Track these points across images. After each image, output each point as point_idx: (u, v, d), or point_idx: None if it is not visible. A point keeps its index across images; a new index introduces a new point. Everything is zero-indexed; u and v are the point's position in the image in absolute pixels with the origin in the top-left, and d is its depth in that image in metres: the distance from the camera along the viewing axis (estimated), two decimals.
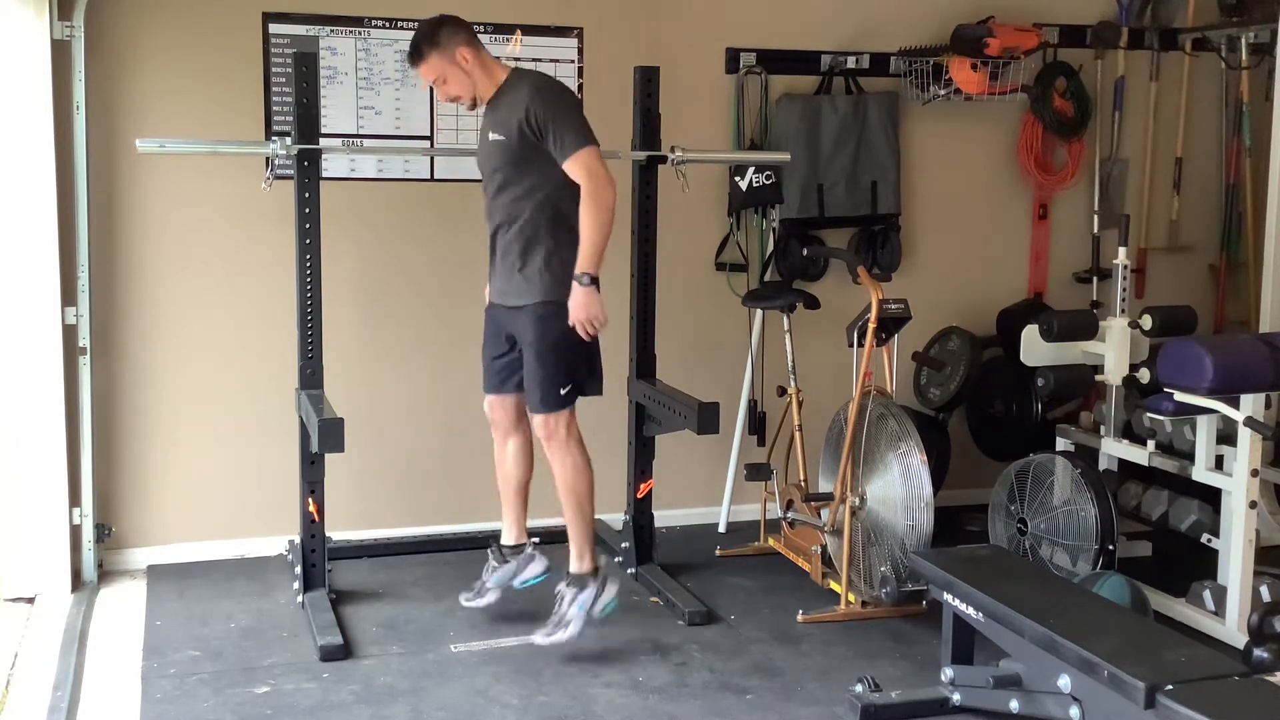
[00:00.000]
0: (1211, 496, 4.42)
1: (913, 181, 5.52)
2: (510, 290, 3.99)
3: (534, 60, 5.01)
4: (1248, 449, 4.13)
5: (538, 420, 4.02)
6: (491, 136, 3.96)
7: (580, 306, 3.84)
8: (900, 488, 4.28)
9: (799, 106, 5.27)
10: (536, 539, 4.33)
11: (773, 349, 5.12)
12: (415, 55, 3.96)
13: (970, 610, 3.55)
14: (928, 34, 5.34)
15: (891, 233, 5.43)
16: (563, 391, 3.96)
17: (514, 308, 3.99)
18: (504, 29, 4.98)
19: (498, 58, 4.11)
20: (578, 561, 4.02)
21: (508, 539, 4.28)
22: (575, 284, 3.83)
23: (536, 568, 4.24)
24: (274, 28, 4.74)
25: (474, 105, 4.03)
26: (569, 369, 3.97)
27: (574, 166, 3.81)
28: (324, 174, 4.32)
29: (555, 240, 3.92)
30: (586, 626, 3.95)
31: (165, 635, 4.13)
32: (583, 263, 3.82)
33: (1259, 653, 3.56)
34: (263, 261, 4.74)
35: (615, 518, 4.89)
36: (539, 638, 3.94)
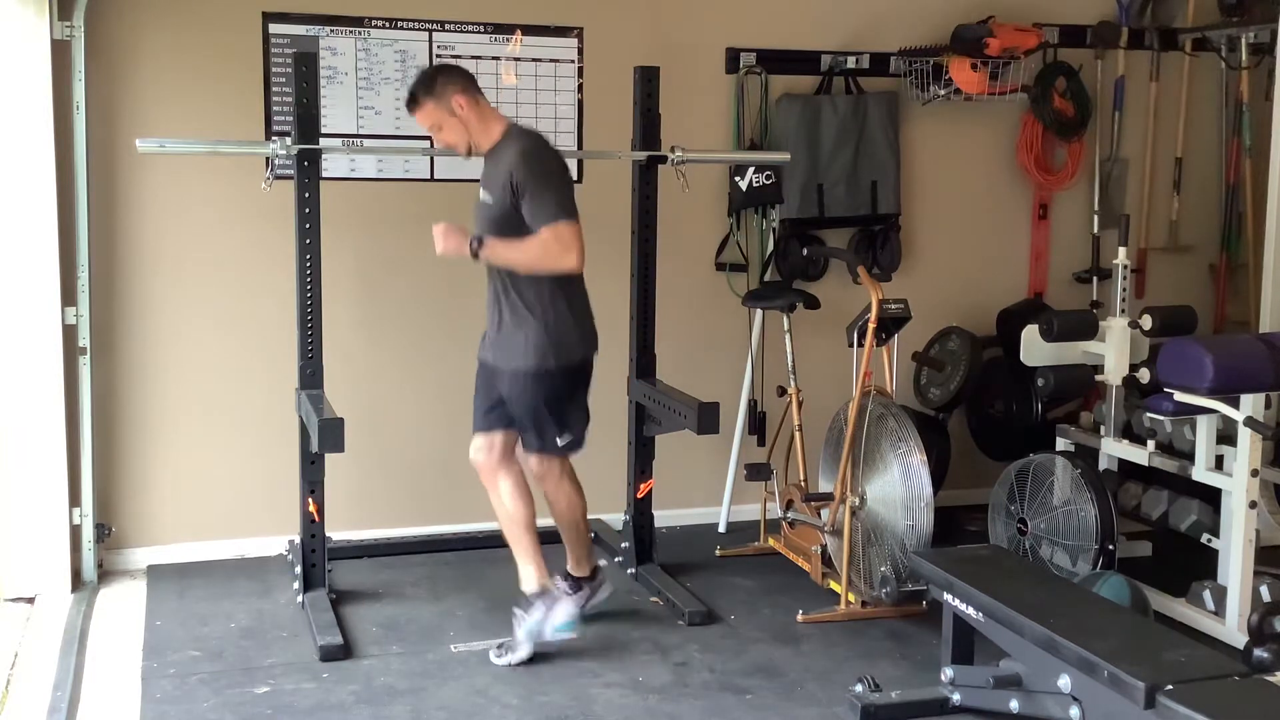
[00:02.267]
0: (1211, 496, 4.42)
1: (913, 181, 5.52)
2: (495, 353, 3.99)
3: (534, 60, 5.02)
4: (1248, 449, 4.13)
5: (533, 459, 4.06)
6: (482, 197, 3.96)
7: (446, 241, 3.84)
8: (900, 488, 4.28)
9: (799, 106, 5.27)
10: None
11: (773, 349, 5.12)
12: (412, 102, 3.95)
13: (970, 610, 3.55)
14: (928, 34, 5.34)
15: (891, 233, 5.43)
16: (560, 442, 4.02)
17: (498, 369, 3.99)
18: (504, 29, 4.98)
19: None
20: (527, 581, 4.01)
21: (533, 583, 4.01)
22: (467, 239, 3.83)
23: (567, 610, 4.01)
24: (274, 28, 4.74)
25: (469, 154, 3.98)
26: (562, 423, 4.00)
27: (545, 234, 3.75)
28: (324, 174, 4.32)
29: (539, 305, 3.89)
30: (538, 646, 3.93)
31: (165, 635, 4.13)
32: (493, 247, 3.82)
33: (1259, 653, 3.56)
34: (263, 261, 4.74)
35: (615, 518, 4.89)
36: (492, 655, 3.96)
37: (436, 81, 3.93)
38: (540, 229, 3.76)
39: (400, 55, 4.85)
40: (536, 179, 3.79)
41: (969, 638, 3.66)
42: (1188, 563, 4.64)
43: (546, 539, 4.38)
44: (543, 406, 3.96)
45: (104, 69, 4.57)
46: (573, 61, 5.08)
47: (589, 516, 4.64)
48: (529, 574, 4.00)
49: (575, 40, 5.07)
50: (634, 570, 4.67)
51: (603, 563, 4.38)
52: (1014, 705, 3.43)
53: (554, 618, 3.94)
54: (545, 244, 3.76)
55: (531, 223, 3.78)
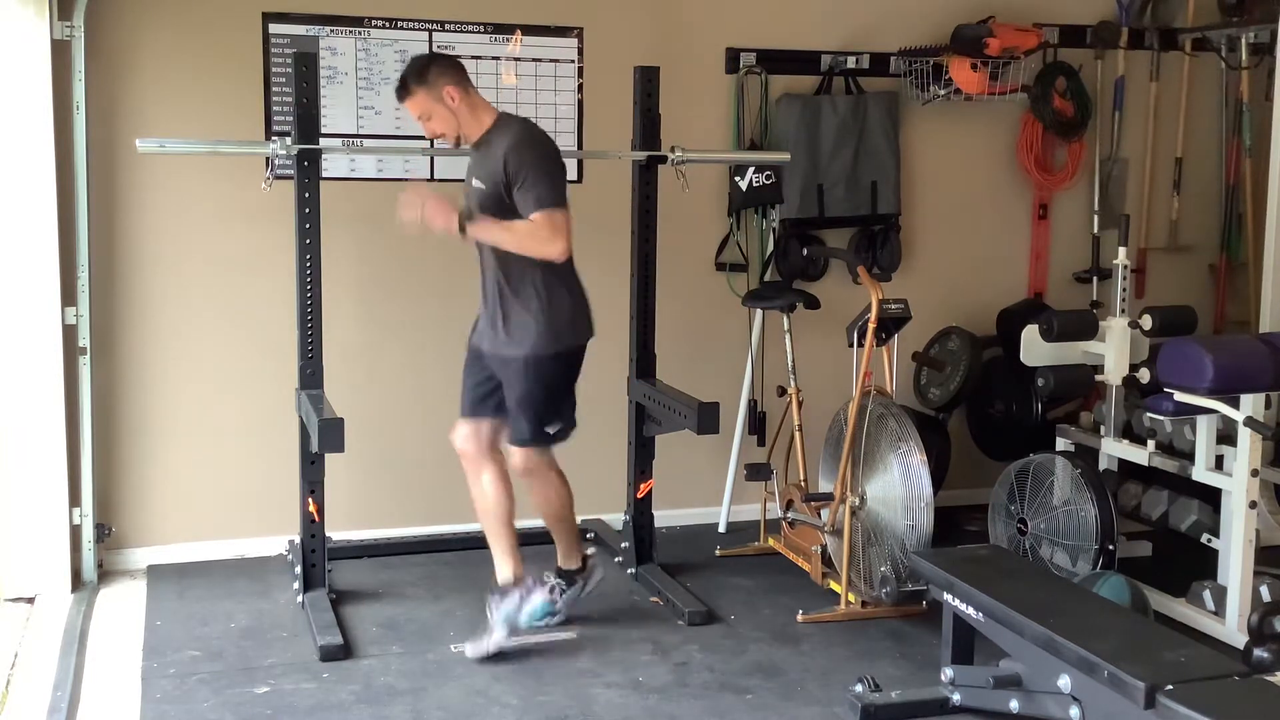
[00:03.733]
0: (1211, 496, 4.42)
1: (913, 181, 5.52)
2: (495, 340, 3.99)
3: (534, 60, 5.02)
4: (1248, 449, 4.13)
5: (518, 454, 4.04)
6: (474, 184, 3.96)
7: (434, 214, 3.80)
8: (900, 488, 4.28)
9: (799, 106, 5.27)
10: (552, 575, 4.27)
11: (773, 349, 5.12)
12: (402, 90, 3.95)
13: (970, 610, 3.55)
14: (928, 34, 5.34)
15: (891, 233, 5.43)
16: (550, 430, 4.01)
17: (501, 356, 3.98)
18: (504, 29, 4.98)
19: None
20: (503, 571, 4.06)
21: (507, 572, 4.07)
22: (455, 213, 3.80)
23: (540, 598, 4.09)
24: (274, 28, 4.74)
25: (458, 144, 4.00)
26: (556, 410, 4.01)
27: (535, 219, 3.77)
28: (324, 174, 4.32)
29: (539, 292, 3.91)
30: (513, 634, 3.97)
31: (165, 635, 4.13)
32: (479, 225, 3.82)
33: (1259, 653, 3.56)
34: (263, 261, 4.74)
35: (615, 518, 4.89)
36: (468, 646, 3.98)
37: (429, 71, 3.92)
38: (532, 214, 3.77)
39: (400, 55, 4.85)
40: (530, 166, 3.80)
41: (969, 638, 3.66)
42: (1188, 563, 4.63)
43: (540, 540, 4.41)
44: (542, 392, 3.95)
45: (104, 69, 4.57)
46: (573, 61, 5.08)
47: (590, 517, 4.67)
48: (503, 565, 4.04)
49: (575, 40, 5.07)
50: (634, 570, 4.67)
51: (590, 550, 4.37)
52: (1014, 705, 3.43)
53: (529, 605, 3.98)
54: (535, 228, 3.77)
55: (523, 208, 3.79)
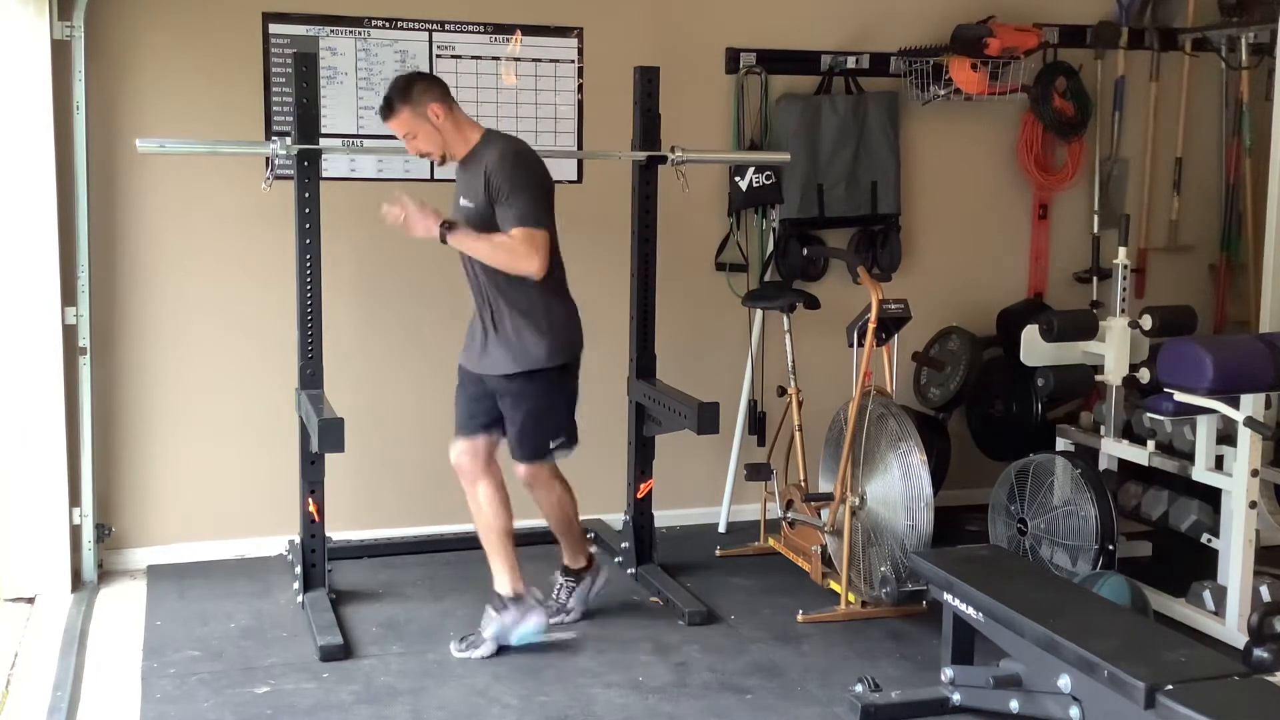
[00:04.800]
0: (1211, 496, 4.42)
1: (913, 181, 5.52)
2: (488, 359, 3.98)
3: (534, 60, 5.02)
4: (1248, 449, 4.13)
5: (522, 469, 4.06)
6: (461, 202, 3.96)
7: (416, 222, 3.83)
8: (900, 488, 4.28)
9: (799, 106, 5.27)
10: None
11: (773, 349, 5.12)
12: (387, 109, 3.94)
13: (970, 610, 3.55)
14: (928, 34, 5.34)
15: (891, 233, 5.43)
16: (553, 445, 4.03)
17: (495, 375, 3.98)
18: (504, 29, 4.98)
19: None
20: (501, 584, 4.05)
21: (506, 587, 4.04)
22: (438, 221, 3.82)
23: (536, 621, 4.05)
24: (274, 28, 4.74)
25: (444, 161, 4.00)
26: (558, 425, 4.02)
27: (515, 234, 3.78)
28: (324, 174, 4.32)
29: (539, 310, 3.91)
30: (501, 647, 3.99)
31: (165, 635, 4.13)
32: (460, 234, 3.82)
33: (1259, 653, 3.56)
34: (263, 261, 4.74)
35: (615, 518, 4.90)
36: (454, 646, 4.01)
37: (413, 90, 3.91)
38: (511, 230, 3.78)
39: (400, 55, 4.85)
40: (513, 183, 3.81)
41: (969, 638, 3.66)
42: (1188, 563, 4.64)
43: (542, 540, 4.41)
44: (545, 408, 3.97)
45: (104, 69, 4.57)
46: (573, 61, 5.08)
47: (590, 517, 4.66)
48: (503, 579, 4.03)
49: (575, 40, 5.07)
50: (634, 570, 4.67)
51: (593, 548, 4.38)
52: (1014, 705, 3.43)
53: (524, 625, 3.99)
54: (513, 244, 3.78)
55: (503, 223, 3.81)
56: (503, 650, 4.00)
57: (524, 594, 4.03)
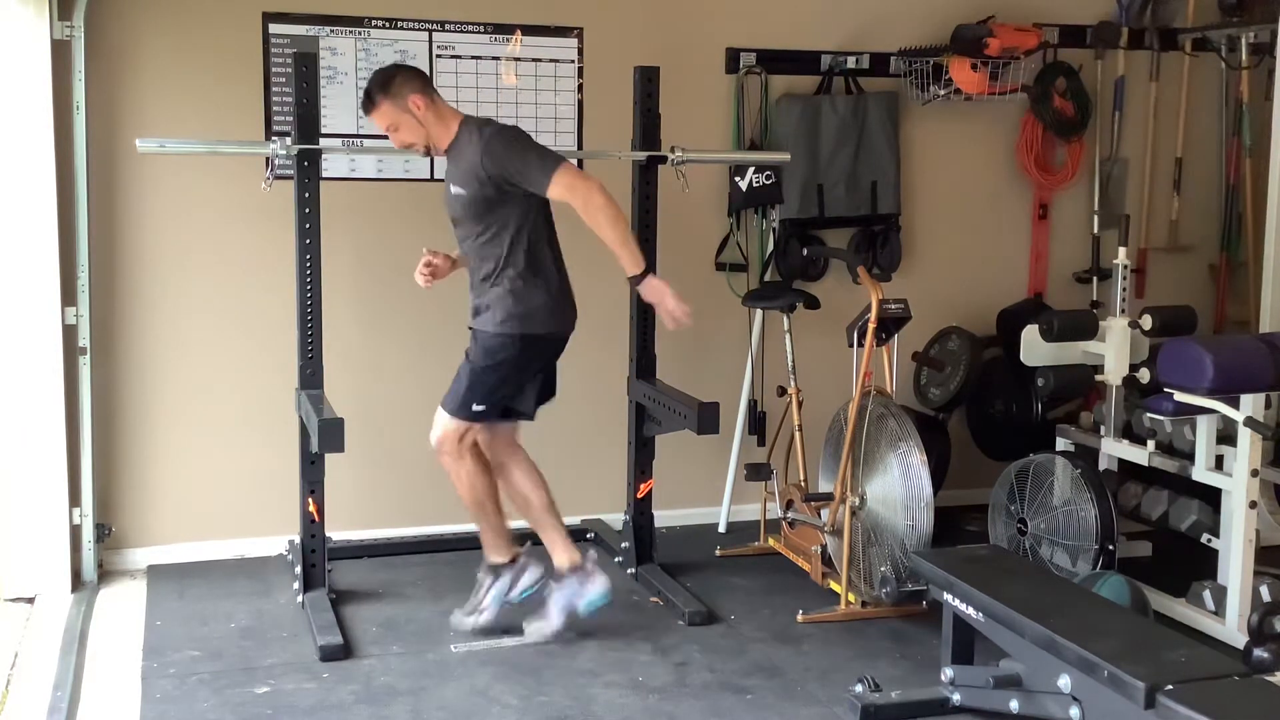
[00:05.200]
0: (1211, 496, 4.41)
1: (913, 181, 5.52)
2: (476, 319, 4.01)
3: (534, 60, 5.01)
4: (1248, 449, 4.12)
5: (438, 423, 4.00)
6: (453, 190, 3.96)
7: (657, 296, 3.89)
8: (900, 488, 4.28)
9: (799, 106, 5.27)
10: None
11: (773, 349, 5.12)
12: (368, 102, 3.94)
13: (970, 610, 3.55)
14: (928, 34, 5.34)
15: (891, 233, 5.43)
16: (475, 407, 3.96)
17: (473, 329, 4.01)
18: (504, 29, 4.98)
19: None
20: (491, 553, 4.11)
21: (561, 562, 4.09)
22: (640, 286, 3.89)
23: (601, 583, 4.08)
24: (274, 28, 4.74)
25: (428, 153, 4.01)
26: (491, 390, 3.97)
27: (555, 192, 3.81)
28: (324, 174, 4.33)
29: (518, 278, 3.92)
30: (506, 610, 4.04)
31: (165, 635, 4.13)
32: (627, 265, 3.87)
33: (1259, 653, 3.56)
34: (263, 261, 4.74)
35: (615, 518, 4.89)
36: (530, 630, 4.05)
37: (393, 82, 3.92)
38: (548, 190, 3.79)
39: (400, 55, 4.85)
40: (511, 156, 3.83)
41: (969, 638, 3.66)
42: (1188, 563, 4.63)
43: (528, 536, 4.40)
44: (487, 367, 3.93)
45: (104, 69, 4.57)
46: (573, 61, 5.08)
47: (590, 517, 4.65)
48: (559, 553, 4.08)
49: (575, 40, 5.07)
50: (634, 570, 4.67)
51: (523, 548, 4.25)
52: (1014, 705, 3.43)
53: (589, 591, 4.03)
54: (585, 208, 3.77)
55: (537, 191, 3.82)
56: (502, 650, 4.00)
57: (580, 562, 4.05)
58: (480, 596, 4.15)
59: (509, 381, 4.00)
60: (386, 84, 3.92)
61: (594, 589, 4.04)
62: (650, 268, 3.94)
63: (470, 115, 4.05)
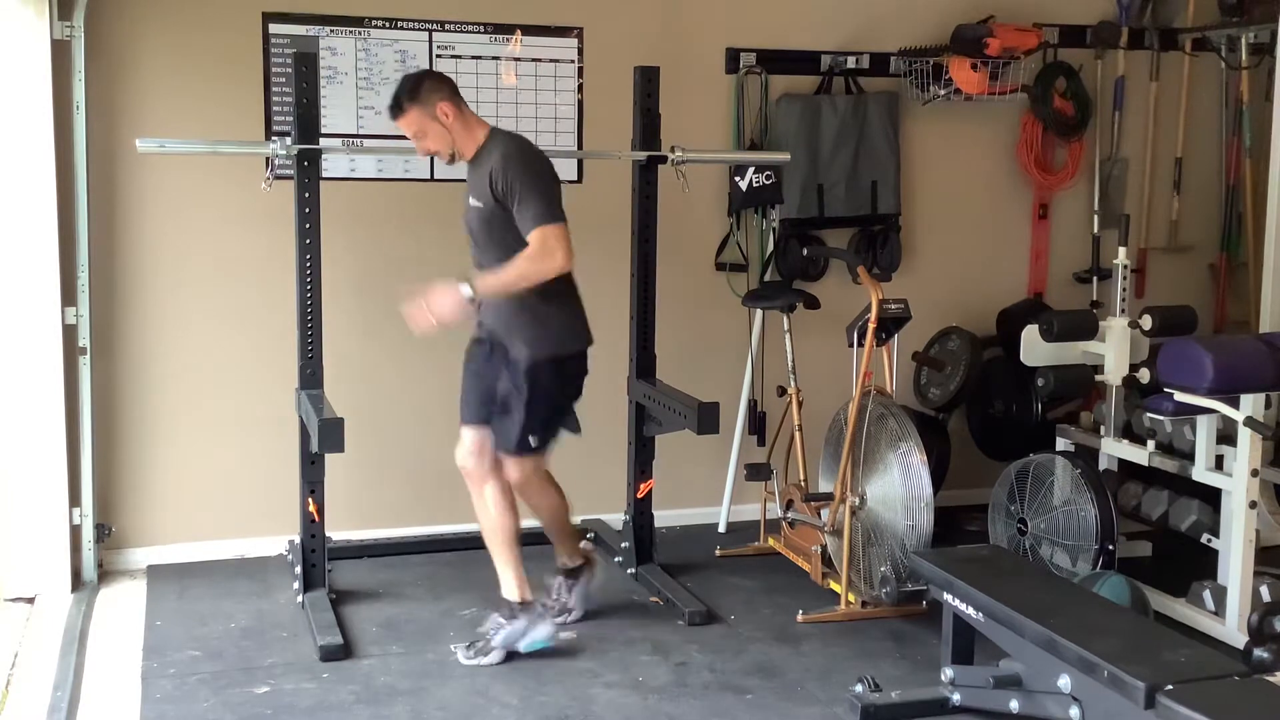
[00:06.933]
0: (1211, 496, 4.41)
1: (913, 181, 5.52)
2: (507, 339, 3.95)
3: (534, 60, 5.02)
4: (1248, 449, 4.13)
5: (510, 465, 4.00)
6: (471, 202, 3.94)
7: (440, 301, 3.75)
8: (900, 488, 4.28)
9: (799, 106, 5.27)
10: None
11: (773, 349, 5.12)
12: (395, 108, 3.91)
13: (970, 610, 3.55)
14: (928, 34, 5.34)
15: (891, 233, 5.43)
16: (533, 441, 3.95)
17: (508, 352, 3.95)
18: (504, 29, 4.98)
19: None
20: (509, 590, 4.02)
21: (515, 594, 4.01)
22: (457, 287, 3.75)
23: (546, 630, 4.01)
24: (274, 28, 4.74)
25: (452, 160, 3.97)
26: (544, 421, 3.96)
27: (531, 238, 3.74)
28: (324, 174, 4.32)
29: (538, 298, 3.86)
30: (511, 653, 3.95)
31: (165, 635, 4.13)
32: (483, 281, 3.79)
33: (1259, 653, 3.57)
34: (263, 261, 4.74)
35: (615, 518, 4.89)
36: (461, 653, 3.97)
37: (422, 88, 3.89)
38: (529, 233, 3.75)
39: (400, 55, 4.85)
40: (520, 183, 3.78)
41: (969, 638, 3.66)
42: (1188, 563, 4.63)
43: (534, 540, 4.40)
44: (535, 399, 3.89)
45: (104, 69, 4.57)
46: (573, 61, 5.08)
47: (590, 517, 4.64)
48: (510, 584, 4.00)
49: (575, 40, 5.07)
50: (634, 570, 4.67)
51: (586, 544, 4.37)
52: (1014, 705, 3.43)
53: (533, 634, 3.95)
54: (531, 255, 3.73)
55: (521, 227, 3.77)
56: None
57: (532, 601, 4.01)
58: (565, 599, 4.22)
59: (555, 405, 3.99)
60: (415, 91, 3.89)
61: (541, 631, 3.96)
62: (474, 299, 3.77)
63: (499, 128, 4.01)
